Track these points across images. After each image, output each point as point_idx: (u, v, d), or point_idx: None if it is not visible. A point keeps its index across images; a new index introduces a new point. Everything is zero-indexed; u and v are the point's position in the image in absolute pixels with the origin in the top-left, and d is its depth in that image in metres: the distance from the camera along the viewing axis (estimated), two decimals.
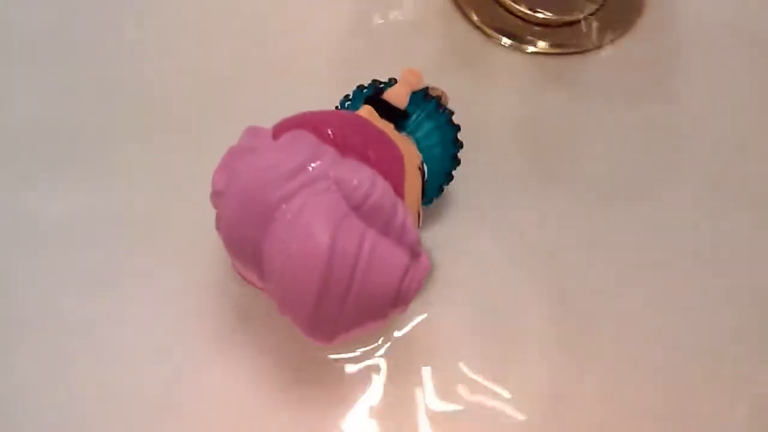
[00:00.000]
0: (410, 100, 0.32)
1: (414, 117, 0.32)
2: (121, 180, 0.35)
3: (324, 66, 0.38)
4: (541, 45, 0.38)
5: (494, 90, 0.37)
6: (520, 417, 0.30)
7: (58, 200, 0.35)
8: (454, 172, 0.33)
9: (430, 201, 0.33)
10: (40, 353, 0.32)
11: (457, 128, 0.33)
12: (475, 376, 0.31)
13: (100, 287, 0.33)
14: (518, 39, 0.38)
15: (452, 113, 0.32)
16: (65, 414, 0.31)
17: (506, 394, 0.31)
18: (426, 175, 0.31)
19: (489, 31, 0.38)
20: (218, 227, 0.28)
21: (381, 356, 0.31)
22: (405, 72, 0.32)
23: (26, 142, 0.36)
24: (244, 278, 0.29)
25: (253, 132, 0.28)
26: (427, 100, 0.32)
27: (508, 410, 0.31)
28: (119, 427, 0.30)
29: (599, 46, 0.38)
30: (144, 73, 0.38)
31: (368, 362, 0.31)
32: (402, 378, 0.31)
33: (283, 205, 0.26)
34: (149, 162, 0.36)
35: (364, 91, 0.33)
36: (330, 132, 0.27)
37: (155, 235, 0.34)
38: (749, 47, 0.39)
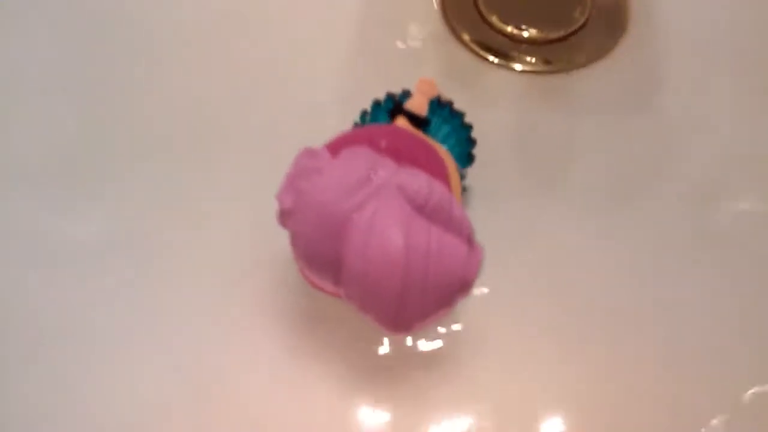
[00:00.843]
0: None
1: (433, 123, 0.35)
2: (143, 201, 0.38)
3: (324, 90, 0.41)
4: (529, 63, 0.41)
5: (486, 108, 0.39)
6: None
7: (83, 222, 0.37)
8: (468, 170, 0.37)
9: None
10: (67, 369, 0.34)
11: (470, 128, 0.36)
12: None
13: (128, 306, 0.35)
14: (507, 58, 0.41)
15: (464, 114, 0.36)
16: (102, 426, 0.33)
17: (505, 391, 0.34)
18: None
19: (480, 52, 0.41)
20: (294, 243, 0.30)
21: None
22: (420, 82, 0.35)
23: (50, 167, 0.38)
24: (315, 285, 0.31)
25: (310, 153, 0.30)
26: (442, 106, 0.35)
27: (515, 408, 0.34)
28: None
29: (585, 63, 0.41)
30: (157, 100, 0.40)
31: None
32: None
33: (356, 215, 0.28)
34: (168, 183, 0.38)
35: (381, 105, 0.36)
36: (383, 144, 0.30)
37: (177, 254, 0.36)
38: (732, 58, 0.41)
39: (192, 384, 0.34)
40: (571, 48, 0.41)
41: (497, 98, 0.40)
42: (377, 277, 0.28)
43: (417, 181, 0.29)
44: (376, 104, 0.36)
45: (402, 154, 0.30)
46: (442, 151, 0.33)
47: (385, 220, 0.28)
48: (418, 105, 0.34)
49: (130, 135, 0.39)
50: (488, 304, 0.36)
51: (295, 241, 0.30)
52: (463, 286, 0.30)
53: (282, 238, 0.33)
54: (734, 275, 0.36)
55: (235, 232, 0.37)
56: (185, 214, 0.38)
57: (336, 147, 0.30)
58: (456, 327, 0.35)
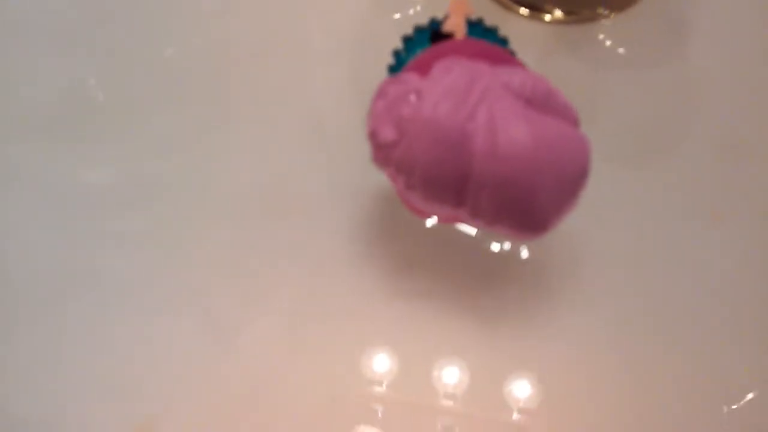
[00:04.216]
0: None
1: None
2: (154, 148, 0.38)
3: (344, 43, 0.40)
4: (557, 14, 0.40)
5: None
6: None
7: (99, 167, 0.37)
8: None
9: None
10: (85, 315, 0.34)
11: (507, 41, 0.35)
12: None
13: (139, 247, 0.36)
14: (535, 8, 0.40)
15: (497, 28, 0.35)
16: (113, 371, 0.33)
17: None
18: None
19: (507, 2, 0.40)
20: (406, 172, 0.28)
21: None
22: (453, 2, 0.34)
23: (68, 115, 0.39)
24: (424, 213, 0.30)
25: (398, 80, 0.28)
26: (474, 23, 0.35)
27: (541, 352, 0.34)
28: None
29: (611, 13, 0.40)
30: (174, 49, 0.40)
31: None
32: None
33: (473, 122, 0.27)
34: (179, 131, 0.38)
35: (414, 38, 0.34)
36: (471, 51, 0.29)
37: (185, 198, 0.37)
38: (762, 7, 0.40)
39: (215, 331, 0.34)
40: None
41: (524, 48, 0.38)
42: (511, 175, 0.27)
43: (518, 75, 0.28)
44: (408, 39, 0.35)
45: (490, 58, 0.29)
46: None
47: (505, 118, 0.27)
48: (456, 25, 0.33)
49: (147, 84, 0.39)
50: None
51: (408, 169, 0.28)
52: (585, 171, 0.29)
53: (304, 181, 0.36)
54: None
55: (253, 178, 0.37)
56: (202, 160, 0.38)
57: (423, 66, 0.29)
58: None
